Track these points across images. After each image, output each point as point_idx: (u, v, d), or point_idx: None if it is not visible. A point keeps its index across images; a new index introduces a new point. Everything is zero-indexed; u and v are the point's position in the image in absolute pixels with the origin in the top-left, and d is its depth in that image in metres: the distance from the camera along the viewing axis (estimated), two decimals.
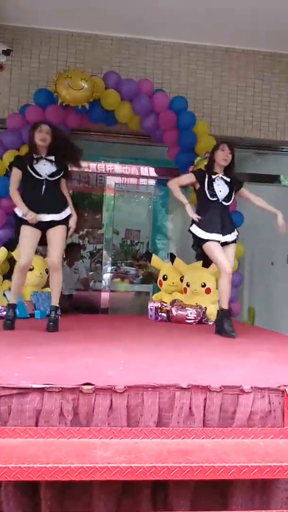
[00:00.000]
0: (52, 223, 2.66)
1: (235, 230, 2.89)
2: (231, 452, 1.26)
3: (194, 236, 2.81)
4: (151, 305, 3.59)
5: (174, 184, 2.90)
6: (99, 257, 5.42)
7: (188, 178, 2.92)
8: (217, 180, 2.83)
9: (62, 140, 2.75)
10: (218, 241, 2.77)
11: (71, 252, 5.05)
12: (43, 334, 2.53)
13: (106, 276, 4.99)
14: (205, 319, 3.36)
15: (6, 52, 3.53)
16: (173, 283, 3.71)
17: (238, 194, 2.93)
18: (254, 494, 1.42)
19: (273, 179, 4.62)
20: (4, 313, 2.74)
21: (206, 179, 2.81)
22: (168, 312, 3.41)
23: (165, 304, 3.51)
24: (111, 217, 5.17)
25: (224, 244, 2.81)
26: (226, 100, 4.02)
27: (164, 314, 3.43)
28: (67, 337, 2.45)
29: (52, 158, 2.69)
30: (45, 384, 1.39)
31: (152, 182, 5.43)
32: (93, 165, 4.85)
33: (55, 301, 2.71)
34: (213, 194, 2.79)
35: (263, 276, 5.11)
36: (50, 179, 2.67)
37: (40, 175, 2.66)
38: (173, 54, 3.97)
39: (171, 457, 1.21)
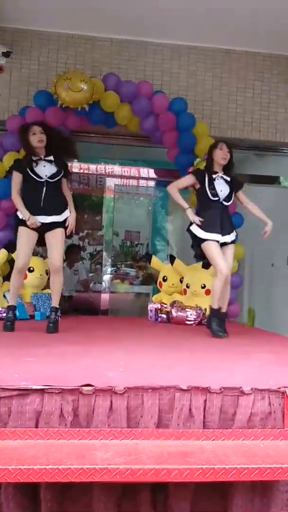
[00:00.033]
0: (52, 225, 2.66)
1: (234, 231, 2.89)
2: (231, 454, 1.26)
3: (194, 235, 2.81)
4: (151, 306, 3.59)
5: (174, 189, 2.89)
6: (99, 259, 5.42)
7: (187, 180, 2.92)
8: (218, 179, 2.82)
9: (56, 135, 2.74)
10: (217, 241, 2.77)
11: (71, 253, 5.05)
12: (43, 336, 2.53)
13: (106, 277, 5.00)
14: (205, 320, 3.36)
15: (6, 54, 3.54)
16: (173, 284, 3.71)
17: (236, 195, 2.93)
18: (255, 496, 1.42)
19: (273, 180, 4.63)
20: (4, 314, 2.74)
21: (207, 179, 2.81)
22: (168, 313, 3.41)
23: (165, 305, 3.51)
24: (111, 218, 5.17)
25: (223, 244, 2.81)
26: (226, 102, 4.03)
27: (164, 315, 3.43)
28: (67, 338, 2.45)
29: (51, 158, 2.69)
30: (45, 386, 1.39)
31: (151, 183, 5.44)
32: (93, 166, 4.85)
33: (55, 303, 2.71)
34: (215, 193, 2.79)
35: (263, 278, 5.11)
36: (50, 180, 2.67)
37: (41, 177, 2.66)
38: (173, 55, 3.98)
39: (171, 459, 1.21)
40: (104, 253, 5.06)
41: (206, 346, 2.44)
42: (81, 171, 4.85)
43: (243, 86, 4.05)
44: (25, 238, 2.64)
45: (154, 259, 3.95)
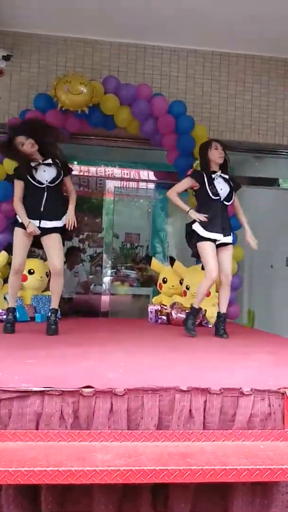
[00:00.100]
0: (49, 230, 2.65)
1: (232, 233, 2.89)
2: (231, 455, 1.26)
3: (193, 234, 2.80)
4: (151, 308, 3.59)
5: (173, 194, 2.89)
6: (99, 261, 5.42)
7: (185, 183, 2.91)
8: (217, 178, 2.83)
9: (42, 132, 2.67)
10: (218, 240, 2.77)
11: (71, 255, 5.06)
12: (43, 338, 2.53)
13: (106, 279, 5.00)
14: (205, 321, 3.36)
15: (6, 58, 3.56)
16: (173, 286, 3.71)
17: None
18: (255, 497, 1.42)
19: (271, 182, 4.64)
20: (4, 316, 2.74)
21: (206, 178, 2.81)
22: (168, 315, 3.42)
23: (165, 307, 3.51)
24: (111, 220, 5.18)
25: (223, 245, 2.82)
26: (225, 104, 4.05)
27: (164, 317, 3.44)
28: (67, 340, 2.45)
29: (50, 161, 2.67)
30: (45, 387, 1.39)
31: (151, 185, 5.45)
32: (92, 169, 4.87)
33: (55, 304, 2.71)
34: (215, 193, 2.79)
35: (263, 279, 5.11)
36: (51, 185, 2.66)
37: (42, 183, 2.64)
38: (172, 58, 4.00)
39: (171, 460, 1.21)
40: (104, 255, 5.07)
41: (206, 347, 2.45)
42: (81, 173, 4.87)
43: (242, 89, 4.08)
44: (21, 240, 2.64)
45: (154, 261, 3.96)
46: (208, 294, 3.55)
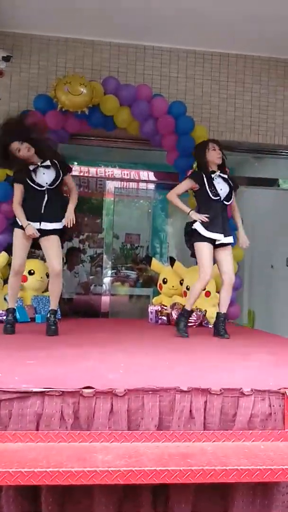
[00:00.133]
0: (49, 232, 2.65)
1: (232, 234, 2.89)
2: (232, 455, 1.26)
3: (194, 233, 2.79)
4: (151, 308, 3.59)
5: (174, 196, 2.89)
6: (100, 261, 5.43)
7: (185, 185, 2.91)
8: (216, 178, 2.83)
9: (28, 132, 2.62)
10: (219, 240, 2.77)
11: (72, 256, 5.06)
12: (43, 338, 2.53)
13: (107, 280, 5.00)
14: (205, 322, 3.36)
15: (6, 59, 3.57)
16: (173, 286, 3.71)
17: None
18: (255, 497, 1.42)
19: (271, 182, 4.65)
20: (5, 317, 2.74)
21: (206, 179, 2.81)
22: (168, 315, 3.42)
23: (165, 308, 3.51)
24: (111, 221, 5.19)
25: (223, 245, 2.81)
26: (225, 105, 4.05)
27: (164, 317, 3.44)
28: (67, 340, 2.45)
29: (48, 163, 2.66)
30: (45, 388, 1.39)
31: (151, 186, 5.45)
32: (92, 169, 4.87)
33: (54, 305, 2.71)
34: (216, 193, 2.80)
35: (263, 279, 5.11)
36: (51, 188, 2.65)
37: (42, 186, 2.64)
38: (172, 59, 4.00)
39: (172, 461, 1.21)
40: (104, 256, 5.07)
41: (206, 348, 2.45)
42: (81, 174, 4.87)
43: (242, 90, 4.08)
44: (20, 241, 2.65)
45: (154, 261, 3.96)
46: (208, 294, 3.56)
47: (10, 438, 1.30)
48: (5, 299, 3.28)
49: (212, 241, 2.78)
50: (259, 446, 1.34)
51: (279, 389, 1.48)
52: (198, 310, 3.39)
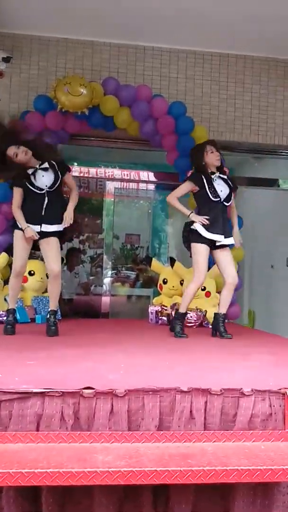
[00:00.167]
0: (49, 233, 2.65)
1: (231, 236, 2.88)
2: (232, 456, 1.26)
3: (194, 233, 2.78)
4: (151, 308, 3.59)
5: (173, 199, 2.89)
6: (100, 262, 5.43)
7: (185, 187, 2.90)
8: (216, 179, 2.83)
9: (21, 134, 2.64)
10: (219, 242, 2.77)
11: (72, 256, 5.06)
12: (43, 339, 2.53)
13: (107, 280, 5.00)
14: (205, 322, 3.36)
15: (6, 59, 3.57)
16: (173, 286, 3.71)
17: None
18: (256, 497, 1.41)
19: (271, 183, 4.65)
20: (5, 318, 2.74)
21: (205, 181, 2.81)
22: (168, 315, 3.41)
23: (165, 308, 3.51)
24: (111, 222, 5.19)
25: (222, 246, 2.81)
26: (225, 105, 4.05)
27: (164, 318, 3.44)
28: (67, 341, 2.45)
29: (46, 165, 2.66)
30: (45, 389, 1.39)
31: (151, 186, 5.46)
32: (92, 170, 4.88)
33: (53, 306, 2.71)
34: (216, 194, 2.79)
35: (263, 279, 5.11)
36: (50, 190, 2.65)
37: (41, 189, 2.64)
38: (171, 60, 4.01)
39: (172, 461, 1.21)
40: (105, 256, 5.07)
41: (206, 348, 2.45)
42: (81, 174, 4.87)
43: (241, 90, 4.08)
44: (21, 242, 2.65)
45: (154, 261, 3.96)
46: (208, 295, 3.56)
47: (11, 439, 1.30)
48: (5, 299, 3.29)
49: (211, 242, 2.78)
50: (259, 446, 1.34)
51: (280, 389, 1.48)
52: (199, 310, 3.39)
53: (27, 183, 2.63)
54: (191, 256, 2.98)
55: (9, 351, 2.09)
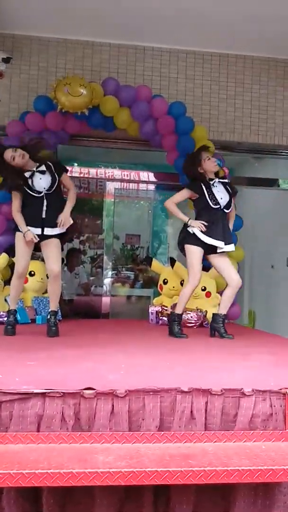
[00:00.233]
0: (53, 235, 2.66)
1: (232, 242, 2.87)
2: (233, 456, 1.26)
3: (191, 236, 2.76)
4: (152, 309, 3.59)
5: (171, 204, 2.88)
6: (100, 262, 5.43)
7: (183, 194, 2.89)
8: (216, 185, 2.82)
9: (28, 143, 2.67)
10: (221, 248, 2.75)
11: (72, 257, 5.06)
12: (44, 339, 2.53)
13: (107, 280, 5.00)
14: (205, 322, 3.36)
15: (6, 60, 3.57)
16: (173, 287, 3.71)
17: None
18: (257, 498, 1.41)
19: (271, 183, 4.65)
20: (5, 319, 2.74)
21: (205, 188, 2.80)
22: (168, 316, 3.41)
23: (166, 308, 3.51)
24: (111, 222, 5.19)
25: (221, 252, 2.80)
26: (224, 105, 4.05)
27: (165, 318, 3.43)
28: (68, 342, 2.45)
29: (43, 168, 2.65)
30: (46, 389, 1.39)
31: (151, 187, 5.46)
32: (92, 170, 4.88)
33: (54, 306, 2.71)
34: (216, 202, 2.78)
35: (263, 279, 5.11)
36: (49, 192, 2.65)
37: (40, 192, 2.63)
38: (171, 60, 4.01)
39: (173, 461, 1.21)
40: (105, 257, 5.07)
41: (206, 348, 2.45)
42: (81, 175, 4.87)
43: (241, 90, 4.08)
44: (23, 244, 2.65)
45: (155, 262, 3.96)
46: (209, 295, 3.56)
47: (11, 440, 1.30)
48: (5, 300, 3.29)
49: (209, 247, 2.76)
50: (260, 446, 1.34)
51: (280, 389, 1.48)
52: (199, 310, 3.39)
53: (24, 187, 2.62)
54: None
55: (9, 352, 2.09)
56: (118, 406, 1.40)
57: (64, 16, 3.53)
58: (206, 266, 3.22)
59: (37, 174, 2.64)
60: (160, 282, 3.82)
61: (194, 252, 2.75)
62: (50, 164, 2.70)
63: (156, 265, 3.92)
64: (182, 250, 2.88)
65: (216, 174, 2.88)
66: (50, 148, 3.45)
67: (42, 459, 1.20)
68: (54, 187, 2.67)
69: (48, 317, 2.70)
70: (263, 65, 4.11)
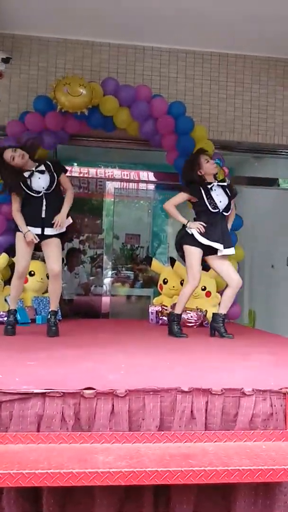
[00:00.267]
0: (53, 235, 2.65)
1: (232, 246, 2.86)
2: (233, 456, 1.26)
3: (189, 237, 2.75)
4: (152, 309, 3.59)
5: (171, 206, 2.87)
6: (100, 262, 5.43)
7: (181, 197, 2.88)
8: (215, 189, 2.82)
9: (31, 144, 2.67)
10: (220, 251, 2.75)
11: (72, 257, 5.06)
12: (44, 339, 2.53)
13: (107, 280, 5.00)
14: (205, 322, 3.36)
15: (6, 60, 3.57)
16: (173, 286, 3.71)
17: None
18: (257, 498, 1.41)
19: (271, 182, 4.65)
20: (5, 318, 2.74)
21: (204, 192, 2.79)
22: (169, 315, 3.41)
23: (166, 308, 3.51)
24: (111, 222, 5.19)
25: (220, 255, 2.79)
26: (224, 105, 4.05)
27: (165, 318, 3.43)
28: (68, 341, 2.45)
29: (42, 168, 2.65)
30: (46, 389, 1.39)
31: (151, 186, 5.46)
32: (92, 170, 4.88)
33: (54, 306, 2.71)
34: (215, 206, 2.78)
35: (263, 279, 5.11)
36: (48, 192, 2.65)
37: (39, 192, 2.63)
38: (171, 59, 4.00)
39: (173, 461, 1.21)
40: (105, 257, 5.07)
41: (206, 348, 2.44)
42: (81, 175, 4.87)
43: (241, 90, 4.08)
44: (23, 244, 2.65)
45: (155, 261, 3.96)
46: (209, 295, 3.56)
47: (11, 440, 1.30)
48: (5, 300, 3.29)
49: (207, 249, 2.76)
50: (260, 446, 1.34)
51: (280, 389, 1.48)
52: (199, 310, 3.39)
53: (24, 187, 2.62)
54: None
55: (9, 352, 2.09)
56: (118, 406, 1.40)
57: (64, 16, 3.53)
58: (206, 266, 3.22)
59: (36, 173, 2.65)
60: (160, 281, 3.82)
61: (193, 253, 2.75)
62: (49, 163, 2.70)
63: (156, 264, 3.92)
64: (179, 250, 2.88)
65: (215, 177, 2.87)
66: (46, 147, 3.44)
67: (42, 459, 1.20)
68: (53, 187, 2.67)
69: (48, 317, 2.70)
70: (263, 65, 4.11)
